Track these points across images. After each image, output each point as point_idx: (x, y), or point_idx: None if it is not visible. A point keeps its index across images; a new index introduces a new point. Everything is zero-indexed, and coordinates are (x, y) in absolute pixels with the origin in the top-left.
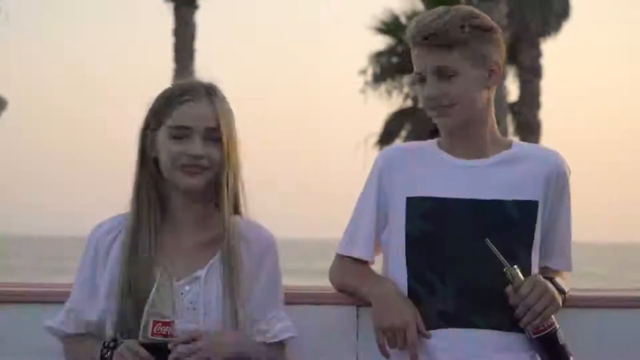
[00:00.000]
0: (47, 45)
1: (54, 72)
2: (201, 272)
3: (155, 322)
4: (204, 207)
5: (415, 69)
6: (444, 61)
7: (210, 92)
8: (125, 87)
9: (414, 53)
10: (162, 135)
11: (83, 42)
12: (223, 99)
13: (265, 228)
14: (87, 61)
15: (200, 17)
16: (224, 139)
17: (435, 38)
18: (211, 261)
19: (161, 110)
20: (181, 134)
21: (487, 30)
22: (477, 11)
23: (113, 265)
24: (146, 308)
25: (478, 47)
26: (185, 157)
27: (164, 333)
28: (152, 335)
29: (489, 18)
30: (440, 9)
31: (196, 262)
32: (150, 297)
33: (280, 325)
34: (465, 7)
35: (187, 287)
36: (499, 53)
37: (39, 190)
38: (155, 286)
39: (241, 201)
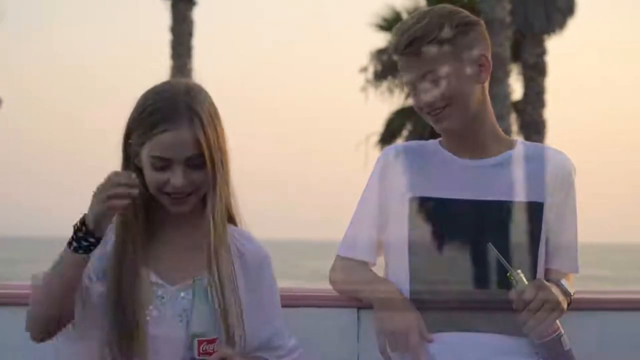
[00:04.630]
0: (44, 44)
1: (50, 70)
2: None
3: (200, 342)
4: (194, 212)
5: (404, 79)
6: (432, 64)
7: (191, 112)
8: (124, 85)
9: (401, 63)
10: (144, 155)
11: (80, 40)
12: (206, 113)
13: (258, 241)
14: (84, 59)
15: (198, 14)
16: (209, 163)
17: (418, 43)
18: (203, 270)
19: (141, 130)
20: (162, 164)
21: (469, 24)
22: (455, 8)
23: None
24: (189, 328)
25: (463, 43)
26: (169, 186)
27: (211, 352)
28: (199, 355)
29: (468, 12)
30: (419, 12)
31: (191, 267)
32: (193, 317)
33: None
34: (443, 6)
35: (182, 294)
36: (485, 46)
37: (38, 190)
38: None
39: (234, 211)
